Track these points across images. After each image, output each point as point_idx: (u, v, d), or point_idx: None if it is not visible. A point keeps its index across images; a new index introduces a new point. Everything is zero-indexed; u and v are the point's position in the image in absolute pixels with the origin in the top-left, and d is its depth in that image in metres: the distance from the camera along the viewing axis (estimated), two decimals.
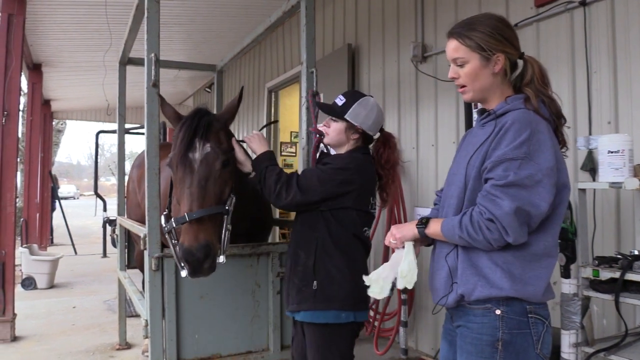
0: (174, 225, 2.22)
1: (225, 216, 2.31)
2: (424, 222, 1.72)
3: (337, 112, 2.34)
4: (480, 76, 1.69)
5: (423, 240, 1.80)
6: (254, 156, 2.42)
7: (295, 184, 2.21)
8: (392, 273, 1.79)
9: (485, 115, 1.73)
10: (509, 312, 1.56)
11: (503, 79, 1.71)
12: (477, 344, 1.60)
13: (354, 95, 2.38)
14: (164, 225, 2.34)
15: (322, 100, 2.85)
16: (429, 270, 1.83)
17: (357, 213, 2.28)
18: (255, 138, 2.46)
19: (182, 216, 2.17)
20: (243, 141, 2.58)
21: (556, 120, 1.67)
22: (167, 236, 2.31)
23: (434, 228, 1.68)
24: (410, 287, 1.74)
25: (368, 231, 2.37)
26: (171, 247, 2.29)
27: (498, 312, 1.57)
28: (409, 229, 1.76)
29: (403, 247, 1.78)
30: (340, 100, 2.35)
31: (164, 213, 2.42)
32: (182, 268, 2.20)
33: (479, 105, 1.83)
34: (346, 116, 2.31)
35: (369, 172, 2.33)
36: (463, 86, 1.73)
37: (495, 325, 1.57)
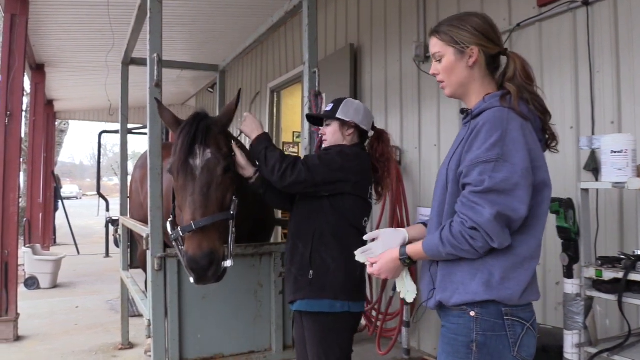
0: (181, 234, 2.23)
1: (231, 221, 2.32)
2: (406, 257, 1.72)
3: (328, 115, 2.48)
4: (455, 70, 1.70)
5: None
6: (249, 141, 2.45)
7: (301, 163, 2.25)
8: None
9: (465, 115, 1.72)
10: (483, 314, 1.56)
11: (482, 74, 1.70)
12: (454, 344, 1.60)
13: (338, 99, 2.53)
14: (170, 232, 2.35)
15: (324, 101, 2.87)
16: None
17: (355, 200, 2.33)
18: (248, 121, 2.48)
19: (189, 225, 2.18)
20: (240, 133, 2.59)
21: (541, 116, 1.66)
22: (174, 244, 2.33)
23: (418, 254, 1.69)
24: (410, 299, 1.83)
25: (367, 221, 2.43)
26: (179, 254, 2.31)
27: (472, 313, 1.56)
28: (395, 266, 1.76)
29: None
30: (328, 107, 2.51)
31: (169, 219, 2.44)
32: (190, 275, 2.23)
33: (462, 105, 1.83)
34: (337, 115, 2.44)
35: (366, 162, 2.43)
36: (442, 81, 1.77)
37: (470, 327, 1.57)
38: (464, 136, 1.64)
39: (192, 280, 2.22)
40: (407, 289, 1.82)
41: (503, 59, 1.74)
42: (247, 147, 2.61)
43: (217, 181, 2.28)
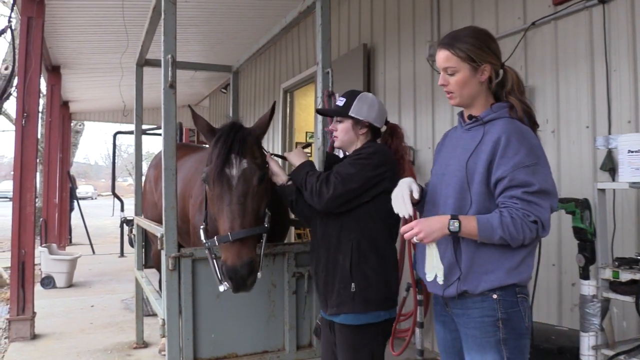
0: (217, 244, 2.26)
1: (264, 234, 2.36)
2: (455, 224, 1.72)
3: (340, 112, 2.37)
4: (468, 84, 1.86)
5: None
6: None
7: (334, 177, 2.21)
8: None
9: (473, 121, 1.88)
10: (504, 295, 1.77)
11: (487, 86, 1.88)
12: (481, 326, 1.78)
13: (352, 93, 2.41)
14: (204, 241, 2.37)
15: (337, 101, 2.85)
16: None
17: (387, 197, 2.24)
18: (295, 153, 2.49)
19: (226, 235, 2.20)
20: (282, 157, 2.60)
21: (532, 126, 1.84)
22: (206, 252, 2.36)
23: (469, 228, 1.72)
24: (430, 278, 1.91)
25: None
26: (211, 262, 2.33)
27: (495, 296, 1.77)
28: (438, 230, 1.75)
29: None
30: (340, 101, 2.39)
31: (202, 227, 2.47)
32: (221, 283, 2.25)
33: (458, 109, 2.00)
34: (350, 113, 2.34)
35: (392, 155, 2.36)
36: (450, 92, 1.89)
37: (494, 307, 1.77)
38: (477, 139, 1.81)
39: (222, 288, 2.25)
40: (436, 266, 1.87)
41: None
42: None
43: (253, 191, 2.30)
